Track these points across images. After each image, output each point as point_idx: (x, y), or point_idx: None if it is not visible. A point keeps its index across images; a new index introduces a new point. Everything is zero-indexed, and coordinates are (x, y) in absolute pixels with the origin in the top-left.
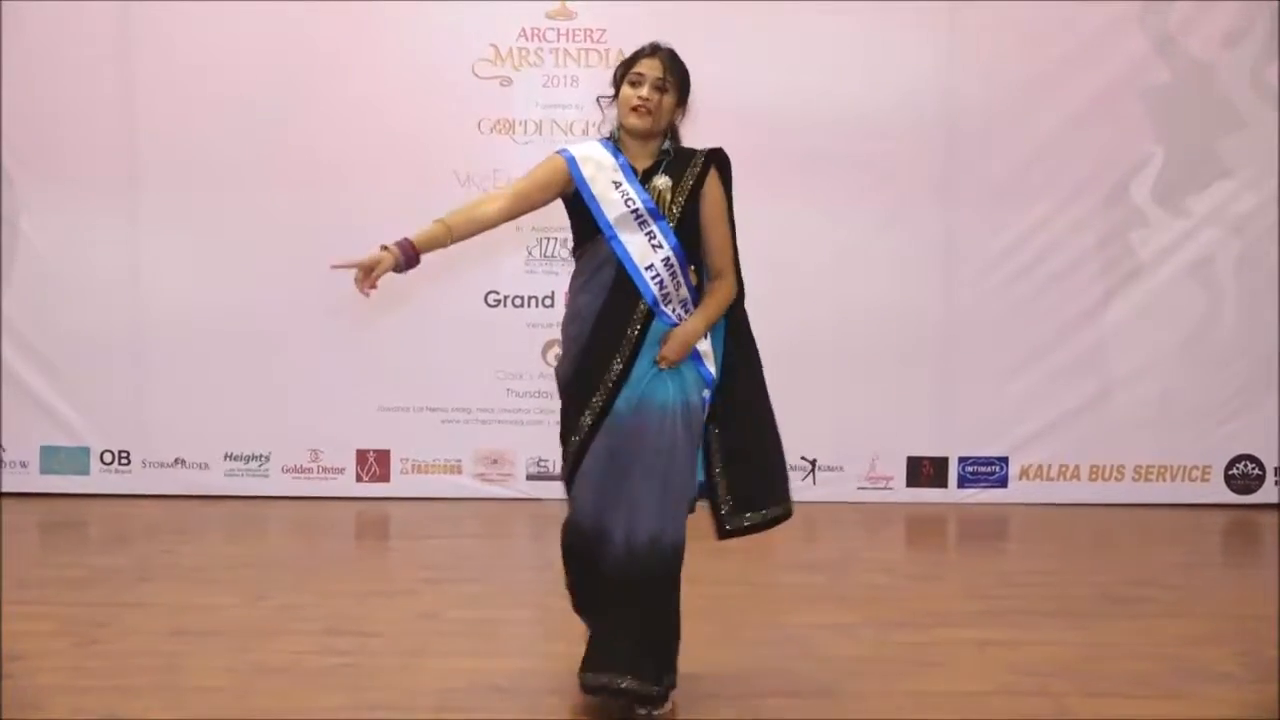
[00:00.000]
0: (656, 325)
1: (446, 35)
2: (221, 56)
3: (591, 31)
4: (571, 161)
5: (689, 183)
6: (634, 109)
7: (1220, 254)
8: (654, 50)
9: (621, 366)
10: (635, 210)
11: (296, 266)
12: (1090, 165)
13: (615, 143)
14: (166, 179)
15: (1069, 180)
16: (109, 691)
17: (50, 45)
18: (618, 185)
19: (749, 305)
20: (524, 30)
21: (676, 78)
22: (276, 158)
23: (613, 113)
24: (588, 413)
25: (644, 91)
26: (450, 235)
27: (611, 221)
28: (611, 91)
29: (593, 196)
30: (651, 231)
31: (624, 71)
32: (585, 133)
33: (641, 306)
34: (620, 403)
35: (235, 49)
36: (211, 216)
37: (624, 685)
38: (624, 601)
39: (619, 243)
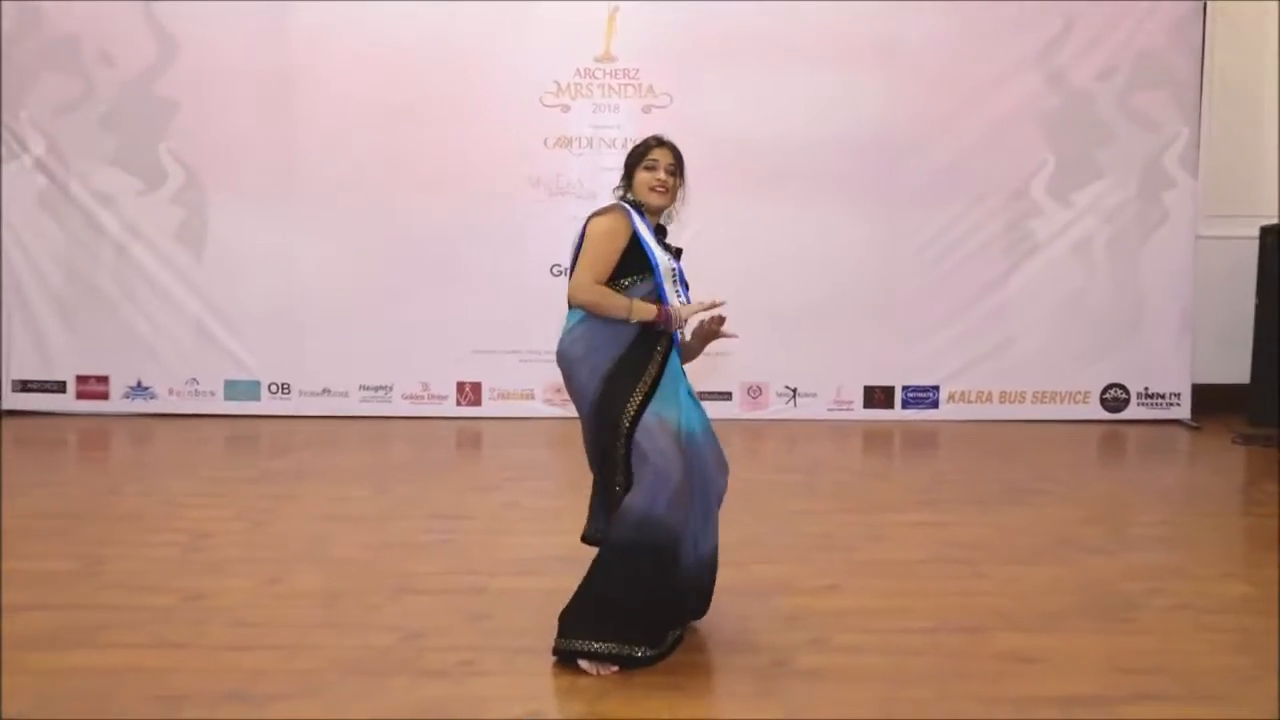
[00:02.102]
0: (673, 364)
1: (521, 75)
2: (354, 96)
3: (628, 71)
4: (633, 218)
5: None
6: (653, 189)
7: (1095, 237)
8: (660, 142)
9: (656, 371)
10: (674, 269)
11: (412, 246)
12: (1000, 169)
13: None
14: (313, 183)
15: (983, 181)
16: (273, 561)
17: (229, 91)
18: (659, 244)
19: (755, 276)
20: (578, 70)
21: (680, 166)
22: (395, 164)
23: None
24: (630, 402)
25: (660, 175)
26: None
27: (661, 269)
28: (622, 180)
29: (650, 247)
30: (678, 290)
31: (637, 160)
32: (624, 146)
33: (662, 344)
34: (697, 426)
35: (364, 89)
36: (347, 211)
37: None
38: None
39: (664, 289)
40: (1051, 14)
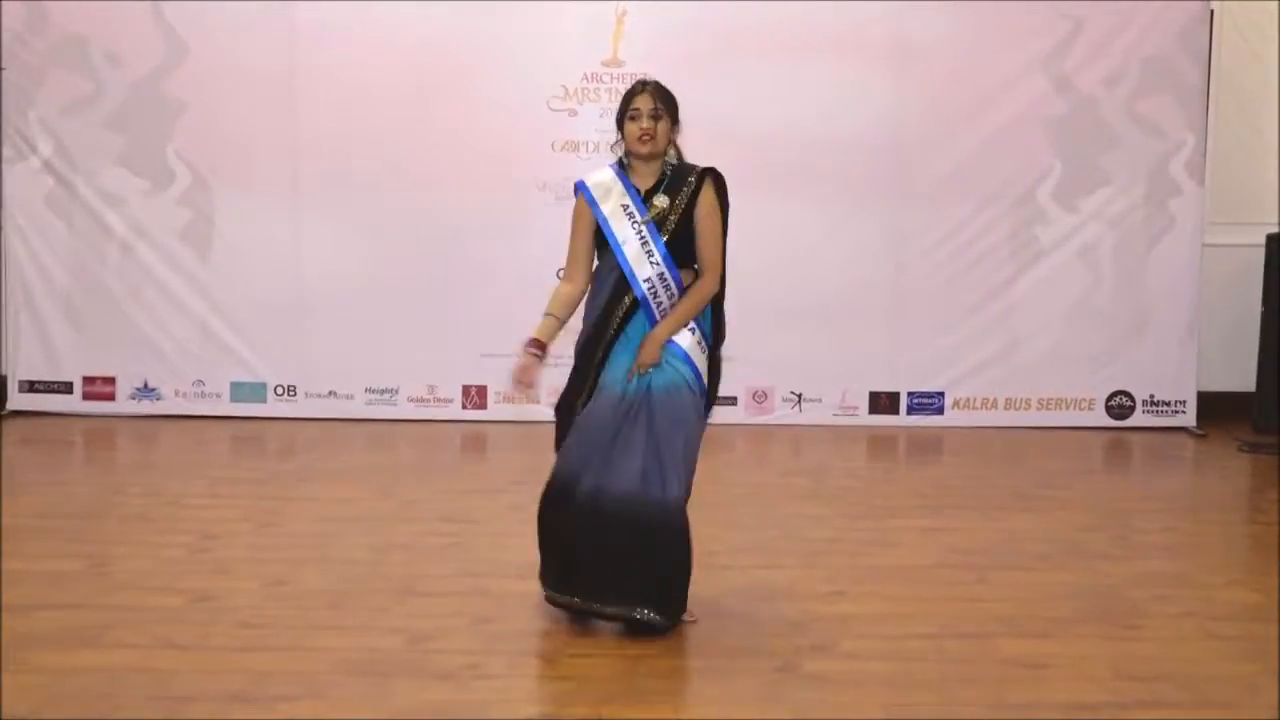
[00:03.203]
0: (635, 328)
1: (529, 78)
2: (361, 94)
3: (636, 75)
4: (588, 196)
5: (684, 199)
6: (639, 139)
7: (1101, 242)
8: (643, 87)
9: (602, 355)
10: (641, 236)
11: (418, 249)
12: (1006, 174)
13: (624, 167)
14: (320, 182)
15: (990, 185)
16: (279, 562)
17: (235, 87)
18: (625, 209)
19: (760, 279)
20: (586, 74)
21: (666, 105)
22: (402, 167)
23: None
24: (584, 390)
25: (643, 123)
26: (559, 322)
27: (619, 241)
28: (617, 131)
29: (606, 221)
30: (650, 250)
31: (623, 113)
32: None
33: (621, 310)
34: (630, 388)
35: (372, 87)
36: (354, 210)
37: (639, 616)
38: (615, 542)
39: (626, 268)
40: (1059, 17)
